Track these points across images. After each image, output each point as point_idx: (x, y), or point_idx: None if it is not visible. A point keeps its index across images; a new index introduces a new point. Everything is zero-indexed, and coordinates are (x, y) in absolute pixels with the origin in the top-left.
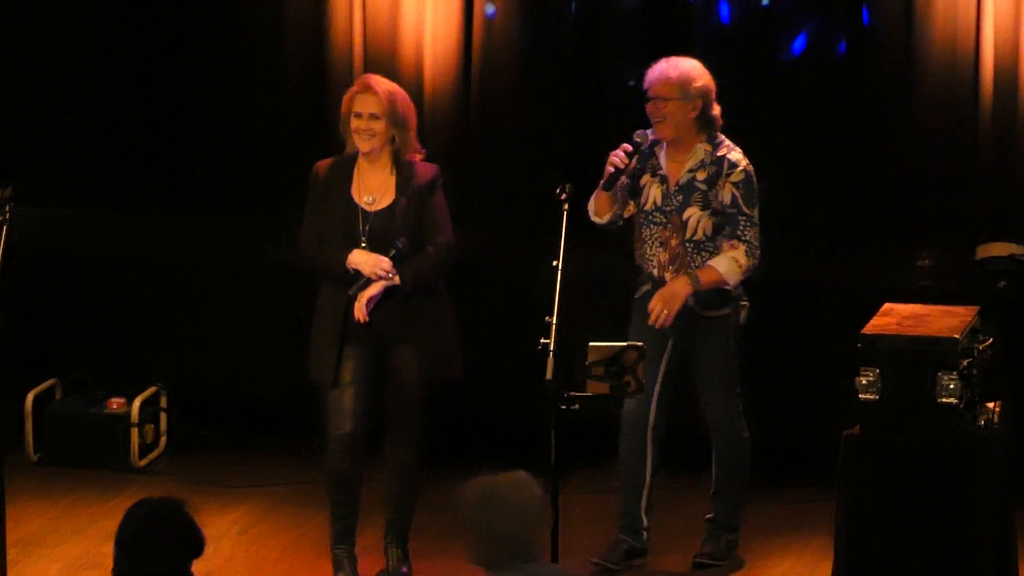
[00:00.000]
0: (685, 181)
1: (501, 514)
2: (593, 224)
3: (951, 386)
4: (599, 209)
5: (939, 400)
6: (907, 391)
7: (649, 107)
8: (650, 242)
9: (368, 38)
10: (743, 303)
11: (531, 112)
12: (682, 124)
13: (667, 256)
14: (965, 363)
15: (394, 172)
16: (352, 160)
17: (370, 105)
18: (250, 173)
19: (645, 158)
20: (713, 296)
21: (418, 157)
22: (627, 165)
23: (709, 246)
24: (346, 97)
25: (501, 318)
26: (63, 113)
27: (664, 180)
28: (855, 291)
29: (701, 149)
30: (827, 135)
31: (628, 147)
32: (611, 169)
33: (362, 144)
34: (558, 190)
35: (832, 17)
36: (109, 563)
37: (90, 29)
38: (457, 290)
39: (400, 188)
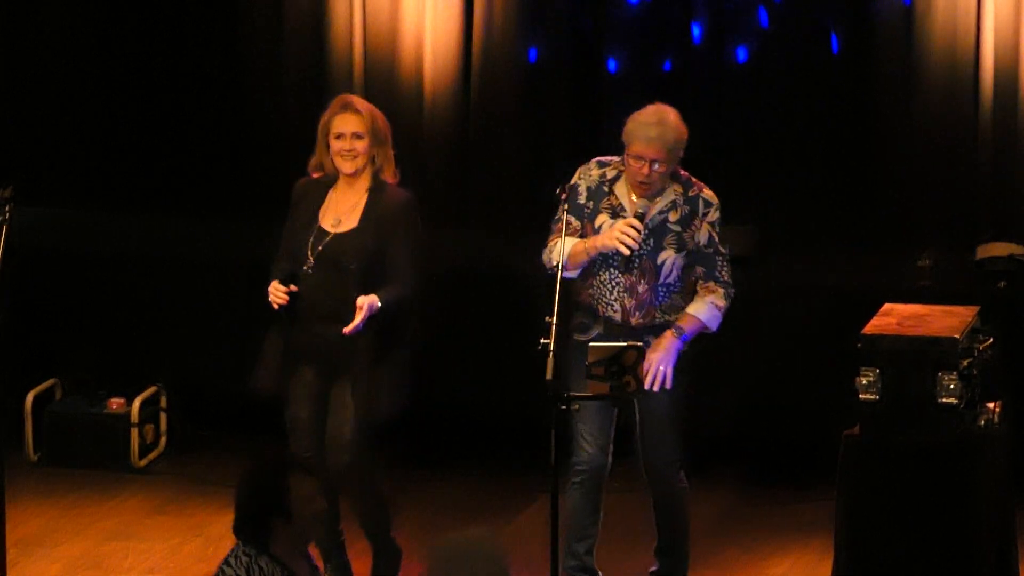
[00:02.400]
0: (656, 224)
1: (471, 569)
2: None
3: (951, 386)
4: (574, 262)
5: (939, 400)
6: (907, 391)
7: (641, 168)
8: (610, 286)
9: (368, 40)
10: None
11: (531, 113)
12: (664, 180)
13: (633, 302)
14: (965, 363)
15: (367, 194)
16: (331, 182)
17: (352, 124)
18: (250, 174)
19: (599, 196)
20: None
21: (393, 180)
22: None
23: (677, 286)
24: (323, 119)
25: (501, 318)
26: (63, 113)
27: None
28: (855, 291)
29: (671, 190)
30: (827, 135)
31: (638, 223)
32: (627, 252)
33: (345, 166)
34: (558, 190)
35: (833, 17)
36: (109, 563)
37: (90, 29)
38: (457, 291)
39: (366, 213)
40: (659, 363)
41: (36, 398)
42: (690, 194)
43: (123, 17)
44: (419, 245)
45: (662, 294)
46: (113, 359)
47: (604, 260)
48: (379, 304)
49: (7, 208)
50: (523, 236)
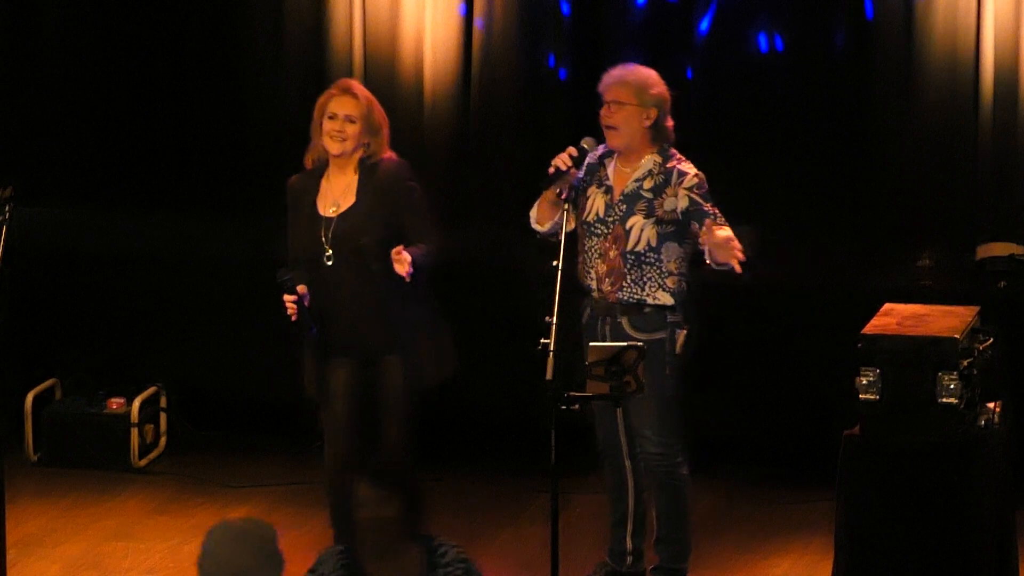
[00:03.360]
0: (630, 190)
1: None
2: (534, 231)
3: (951, 386)
4: (540, 216)
5: (939, 400)
6: (907, 391)
7: (603, 111)
8: (590, 254)
9: (368, 40)
10: (680, 329)
11: (530, 113)
12: (635, 133)
13: (605, 268)
14: (965, 363)
15: (356, 174)
16: (321, 171)
17: (348, 107)
18: (250, 173)
19: (594, 170)
20: (648, 319)
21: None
22: (569, 168)
23: (651, 257)
24: (321, 100)
25: (501, 318)
26: (63, 113)
27: (609, 191)
28: (855, 291)
29: (650, 160)
30: (827, 135)
31: (573, 150)
32: (551, 171)
33: (333, 146)
34: (558, 190)
35: (833, 16)
36: (109, 563)
37: (90, 29)
38: (457, 290)
39: (361, 188)
40: (728, 237)
41: (36, 398)
42: (668, 166)
43: (123, 17)
44: (428, 205)
45: (631, 262)
46: (113, 359)
47: (588, 228)
48: (412, 258)
49: (7, 208)
50: (523, 236)
